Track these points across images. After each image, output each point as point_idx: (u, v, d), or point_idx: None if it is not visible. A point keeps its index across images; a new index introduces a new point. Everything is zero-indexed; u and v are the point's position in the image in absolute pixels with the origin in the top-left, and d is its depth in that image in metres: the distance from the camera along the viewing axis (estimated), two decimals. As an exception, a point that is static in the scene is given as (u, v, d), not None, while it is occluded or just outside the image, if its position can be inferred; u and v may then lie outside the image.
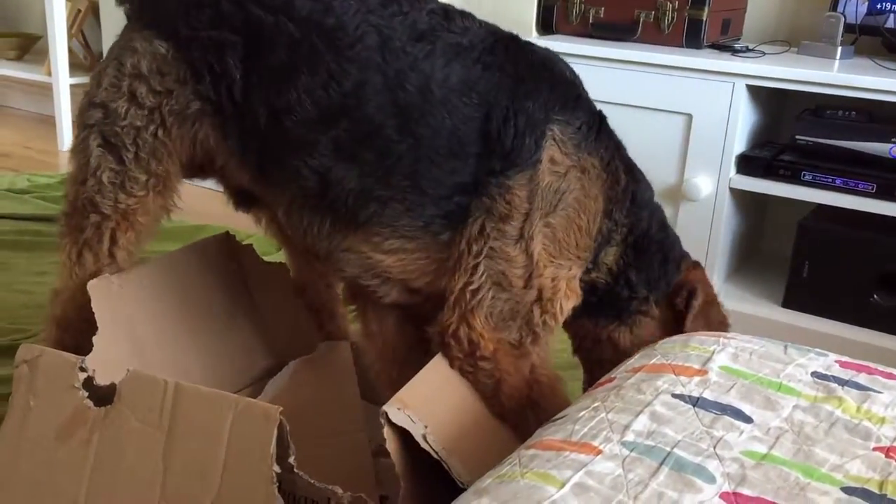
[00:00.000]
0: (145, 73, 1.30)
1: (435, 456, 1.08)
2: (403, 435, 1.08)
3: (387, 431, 1.06)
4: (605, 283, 1.31)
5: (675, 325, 1.36)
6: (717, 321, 1.38)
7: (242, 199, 1.51)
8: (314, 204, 1.26)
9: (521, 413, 1.23)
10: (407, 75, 1.22)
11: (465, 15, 1.29)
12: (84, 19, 3.79)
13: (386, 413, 1.06)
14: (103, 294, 1.35)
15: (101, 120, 1.33)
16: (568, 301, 1.25)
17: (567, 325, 1.38)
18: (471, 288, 1.20)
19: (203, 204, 1.56)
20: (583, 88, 1.30)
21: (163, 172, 1.34)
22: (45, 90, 3.71)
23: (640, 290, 1.32)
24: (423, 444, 1.08)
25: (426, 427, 1.09)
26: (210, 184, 1.52)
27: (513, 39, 1.29)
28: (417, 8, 1.26)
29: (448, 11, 1.28)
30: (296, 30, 1.24)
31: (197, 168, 1.40)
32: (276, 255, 1.88)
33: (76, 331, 1.41)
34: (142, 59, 1.30)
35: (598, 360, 1.38)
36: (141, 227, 1.38)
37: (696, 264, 1.40)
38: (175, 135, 1.31)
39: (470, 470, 1.09)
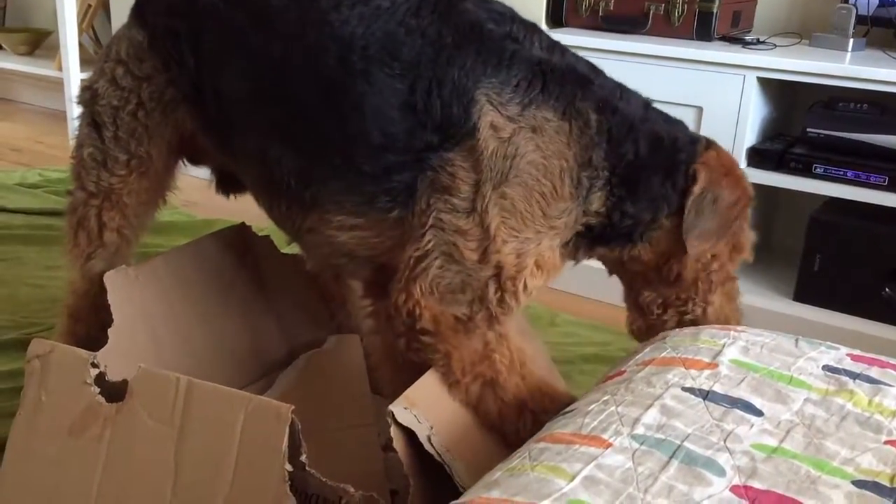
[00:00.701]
0: (124, 57, 1.35)
1: (438, 458, 1.07)
2: (410, 433, 1.08)
3: (394, 430, 1.06)
4: (601, 224, 1.23)
5: None
6: (725, 204, 1.24)
7: (226, 181, 1.53)
8: (268, 185, 1.27)
9: (480, 396, 1.18)
10: (326, 47, 1.17)
11: None
12: (94, 14, 3.80)
13: (392, 412, 1.06)
14: (119, 285, 1.37)
15: (88, 100, 1.40)
16: (534, 279, 1.17)
17: (589, 257, 1.31)
18: (416, 255, 1.15)
19: (212, 198, 1.57)
20: (523, 41, 1.19)
21: (144, 154, 1.37)
22: (56, 85, 3.72)
23: (642, 215, 1.23)
24: (427, 446, 1.07)
25: (431, 428, 1.09)
26: (219, 177, 1.53)
27: None
28: None
29: None
30: (225, 8, 1.24)
31: (188, 150, 1.43)
32: (287, 247, 1.88)
33: (87, 321, 1.44)
34: (122, 44, 1.36)
35: (631, 274, 1.33)
36: (127, 209, 1.40)
37: (709, 144, 1.28)
38: (158, 119, 1.35)
39: (472, 473, 1.08)
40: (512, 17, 1.23)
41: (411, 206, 1.17)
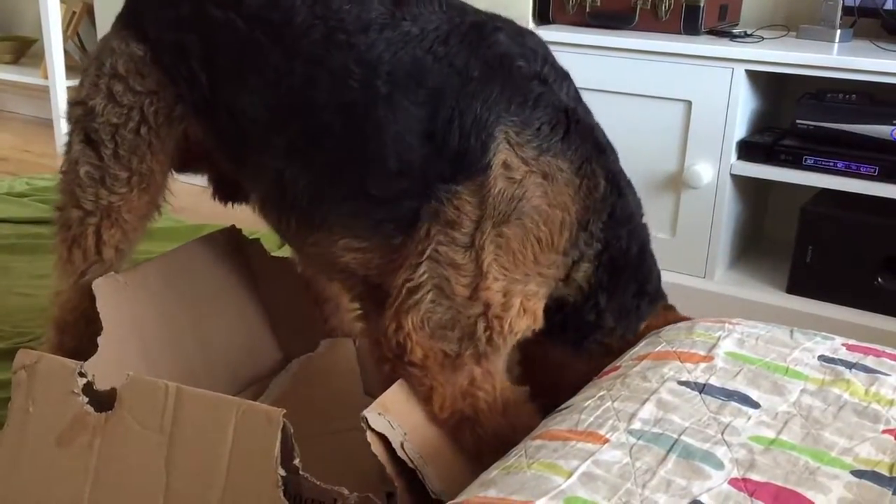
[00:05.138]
0: (122, 73, 1.31)
1: (410, 465, 1.06)
2: (387, 437, 1.07)
3: (370, 436, 1.05)
4: (573, 304, 1.20)
5: None
6: None
7: (226, 189, 1.51)
8: (279, 203, 1.25)
9: (456, 426, 1.16)
10: (351, 70, 1.15)
11: (422, 1, 1.19)
12: (79, 21, 3.78)
13: (366, 418, 1.05)
14: (109, 292, 1.35)
15: (81, 117, 1.36)
16: (521, 320, 1.14)
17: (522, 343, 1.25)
18: (409, 286, 1.13)
19: (202, 203, 1.56)
20: (552, 84, 1.17)
21: (146, 170, 1.34)
22: (42, 93, 3.70)
23: (607, 319, 1.21)
24: (400, 453, 1.06)
25: (405, 434, 1.08)
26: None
27: (474, 28, 1.18)
28: None
29: None
30: (244, 26, 1.21)
31: (192, 161, 1.41)
32: (280, 250, 1.87)
33: (75, 333, 1.41)
34: (119, 59, 1.32)
35: (543, 380, 1.28)
36: (126, 225, 1.38)
37: (671, 307, 1.28)
38: (163, 134, 1.32)
39: (445, 477, 1.07)
40: (545, 57, 1.19)
41: (411, 232, 1.15)
